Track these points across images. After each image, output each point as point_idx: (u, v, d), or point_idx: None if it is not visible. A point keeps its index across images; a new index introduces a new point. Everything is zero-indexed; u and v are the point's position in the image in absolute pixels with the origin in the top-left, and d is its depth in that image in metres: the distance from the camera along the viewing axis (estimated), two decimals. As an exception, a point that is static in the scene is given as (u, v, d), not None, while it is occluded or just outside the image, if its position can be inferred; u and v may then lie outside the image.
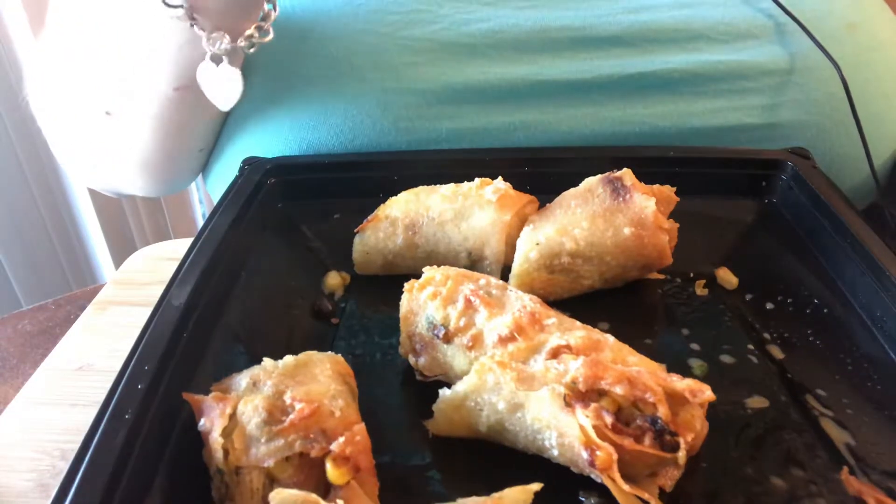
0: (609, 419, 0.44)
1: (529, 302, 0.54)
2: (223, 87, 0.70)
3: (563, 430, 0.45)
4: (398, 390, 0.58)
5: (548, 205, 0.67)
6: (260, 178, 0.72)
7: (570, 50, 0.78)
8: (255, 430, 0.44)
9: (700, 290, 0.68)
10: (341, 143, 0.78)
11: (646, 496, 0.44)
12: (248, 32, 0.66)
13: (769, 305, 0.65)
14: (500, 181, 0.68)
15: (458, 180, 0.69)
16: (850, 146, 0.77)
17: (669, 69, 0.77)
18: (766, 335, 0.62)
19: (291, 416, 0.44)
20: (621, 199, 0.64)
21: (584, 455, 0.44)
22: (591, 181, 0.66)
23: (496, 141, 0.79)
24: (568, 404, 0.45)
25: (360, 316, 0.67)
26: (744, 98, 0.77)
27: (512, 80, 0.78)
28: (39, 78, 0.81)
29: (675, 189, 0.66)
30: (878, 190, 0.72)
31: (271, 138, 0.79)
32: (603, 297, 0.67)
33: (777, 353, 0.60)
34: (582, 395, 0.46)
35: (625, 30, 0.78)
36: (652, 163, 0.73)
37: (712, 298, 0.67)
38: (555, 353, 0.49)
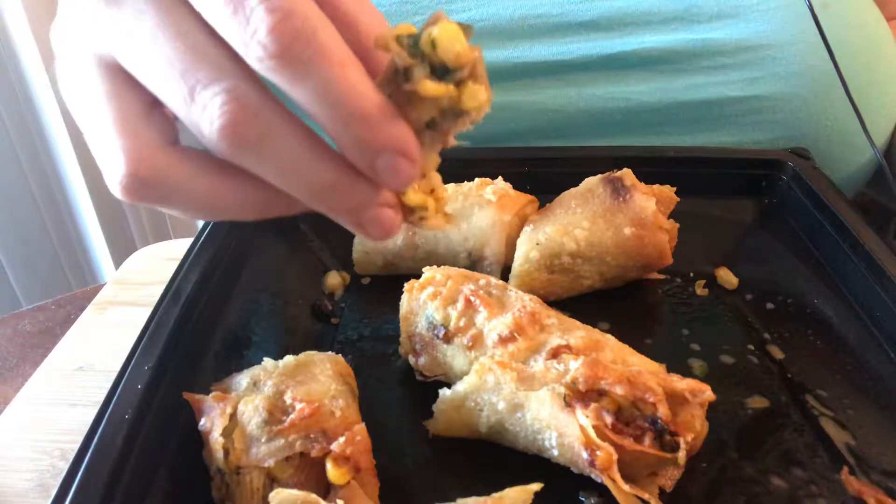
0: (609, 419, 0.44)
1: (529, 302, 0.54)
2: None
3: (563, 431, 0.45)
4: (398, 390, 0.58)
5: (548, 205, 0.67)
6: (260, 178, 0.72)
7: (548, 35, 0.81)
8: (256, 430, 0.44)
9: (700, 290, 0.68)
10: None
11: (646, 496, 0.44)
12: None
13: (769, 305, 0.65)
14: (500, 181, 0.68)
15: (458, 180, 0.69)
16: (838, 118, 0.79)
17: (647, 48, 0.79)
18: (766, 335, 0.62)
19: (292, 416, 0.44)
20: (621, 199, 0.64)
21: (584, 455, 0.44)
22: (591, 181, 0.66)
23: (484, 121, 0.80)
24: (568, 404, 0.45)
25: (360, 316, 0.67)
26: (723, 73, 0.79)
27: (494, 63, 0.81)
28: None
29: (675, 189, 0.66)
30: (875, 153, 0.73)
31: None
32: (603, 297, 0.67)
33: (777, 353, 0.60)
34: (582, 395, 0.46)
35: (600, 15, 0.80)
36: (652, 163, 0.73)
37: (712, 298, 0.67)
38: (555, 353, 0.49)
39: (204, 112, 0.30)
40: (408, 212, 0.36)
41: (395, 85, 0.32)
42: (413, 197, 0.35)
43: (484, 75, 0.32)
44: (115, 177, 0.32)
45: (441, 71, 0.31)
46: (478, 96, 0.32)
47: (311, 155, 0.32)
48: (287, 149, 0.31)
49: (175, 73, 0.31)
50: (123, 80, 0.34)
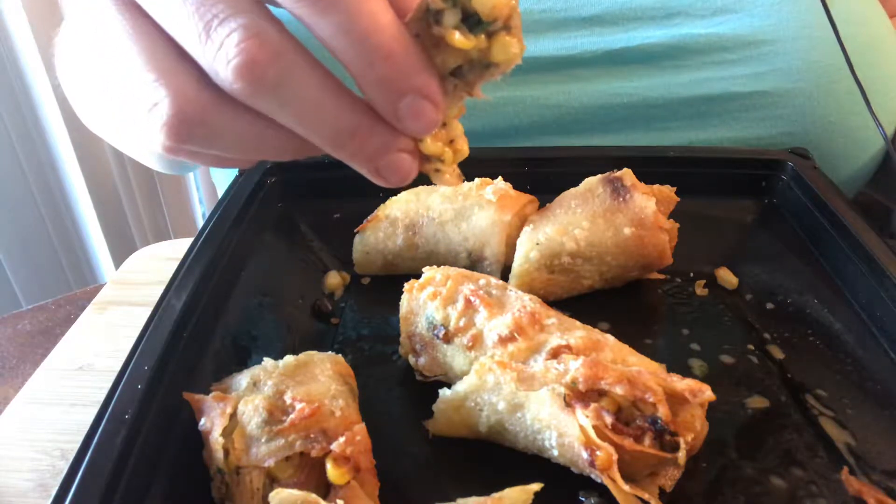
0: (609, 419, 0.44)
1: (529, 302, 0.54)
2: None
3: (563, 431, 0.45)
4: (398, 390, 0.58)
5: (548, 205, 0.67)
6: (260, 177, 0.72)
7: (553, 30, 0.80)
8: (256, 430, 0.44)
9: (700, 290, 0.68)
10: None
11: (646, 496, 0.44)
12: None
13: (769, 305, 0.65)
14: (500, 181, 0.68)
15: (458, 180, 0.69)
16: (841, 113, 0.79)
17: (651, 44, 0.79)
18: (766, 335, 0.62)
19: (292, 416, 0.44)
20: (621, 199, 0.64)
21: (584, 455, 0.44)
22: (591, 181, 0.66)
23: (488, 115, 0.81)
24: (568, 404, 0.45)
25: (360, 316, 0.67)
26: (727, 68, 0.79)
27: None
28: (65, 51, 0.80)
29: (675, 189, 0.66)
30: (881, 133, 0.72)
31: None
32: (603, 297, 0.67)
33: (777, 353, 0.60)
34: (582, 395, 0.46)
35: (605, 10, 0.80)
36: (652, 163, 0.73)
37: (712, 298, 0.67)
38: (555, 354, 0.49)
39: (220, 50, 0.29)
40: (423, 160, 0.34)
41: (425, 25, 0.30)
42: (431, 145, 0.34)
43: (518, 27, 0.31)
44: (158, 119, 0.31)
45: (474, 18, 0.30)
46: (508, 50, 0.30)
47: (332, 98, 0.31)
48: (307, 91, 0.30)
49: (189, 8, 0.29)
50: (148, 19, 0.32)
